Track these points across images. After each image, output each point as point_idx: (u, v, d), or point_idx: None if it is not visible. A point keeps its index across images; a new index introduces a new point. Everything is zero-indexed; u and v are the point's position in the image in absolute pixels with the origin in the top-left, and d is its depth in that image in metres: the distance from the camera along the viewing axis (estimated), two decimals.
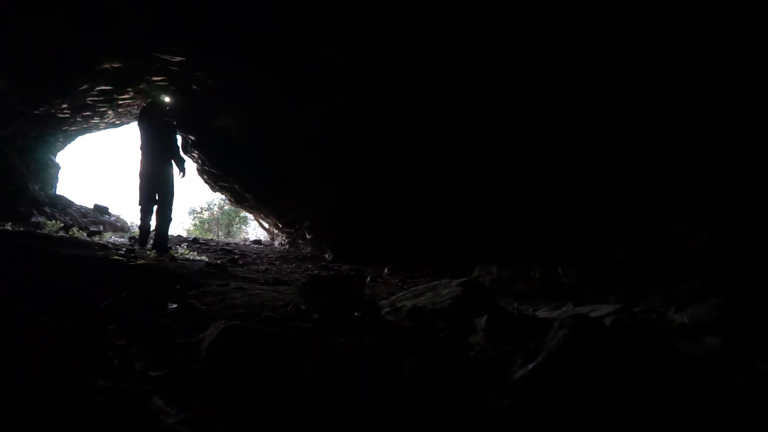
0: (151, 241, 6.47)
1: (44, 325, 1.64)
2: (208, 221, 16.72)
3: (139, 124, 6.49)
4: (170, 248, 6.49)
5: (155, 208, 6.40)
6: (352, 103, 5.76)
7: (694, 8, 3.26)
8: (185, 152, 8.97)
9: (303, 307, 2.86)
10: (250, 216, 13.42)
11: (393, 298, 3.46)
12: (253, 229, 15.88)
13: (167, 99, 7.04)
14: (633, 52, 3.65)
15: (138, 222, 6.91)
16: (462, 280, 3.36)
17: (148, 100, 6.99)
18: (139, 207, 6.46)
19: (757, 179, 3.45)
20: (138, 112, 8.50)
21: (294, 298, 3.23)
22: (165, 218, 6.41)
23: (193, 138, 8.67)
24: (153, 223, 6.50)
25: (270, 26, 4.74)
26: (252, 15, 4.59)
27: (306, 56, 5.14)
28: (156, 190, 6.34)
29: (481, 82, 4.69)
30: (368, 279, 5.21)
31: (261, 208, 9.98)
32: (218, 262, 5.87)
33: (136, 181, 6.43)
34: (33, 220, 8.08)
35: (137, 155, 6.50)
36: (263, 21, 4.69)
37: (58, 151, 10.59)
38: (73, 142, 10.55)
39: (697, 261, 3.82)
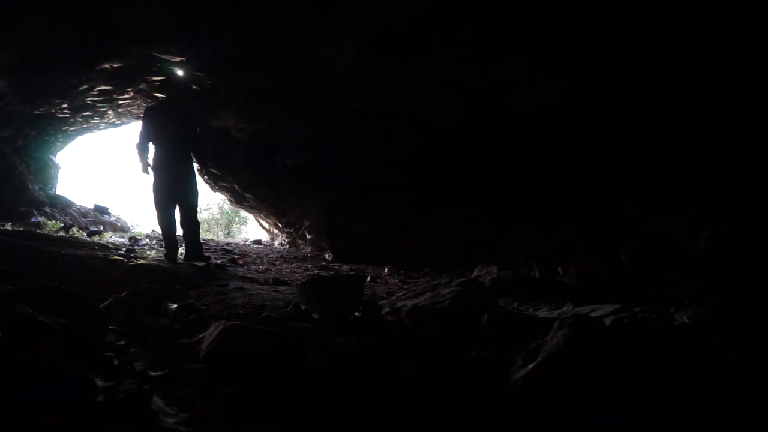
0: (181, 251, 5.62)
1: (44, 325, 1.64)
2: (208, 221, 16.71)
3: (153, 110, 5.47)
4: (209, 258, 5.65)
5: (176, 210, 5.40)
6: (350, 102, 5.76)
7: None
8: None
9: (303, 307, 2.86)
10: (250, 216, 13.42)
11: (393, 298, 3.46)
12: (254, 230, 15.90)
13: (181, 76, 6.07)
14: None
15: (158, 230, 5.74)
16: (462, 280, 3.36)
17: (166, 80, 5.98)
18: (156, 210, 5.34)
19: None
20: (139, 111, 8.56)
21: (294, 298, 3.23)
22: (193, 223, 5.45)
23: None
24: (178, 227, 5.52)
25: (269, 27, 4.74)
26: (251, 15, 4.59)
27: (305, 57, 5.14)
28: (176, 188, 5.30)
29: None
30: (368, 279, 5.21)
31: (261, 208, 9.98)
32: (218, 262, 5.87)
33: (148, 179, 5.34)
34: (33, 220, 8.08)
35: (138, 150, 5.29)
36: (262, 21, 4.69)
37: (58, 151, 10.59)
38: (73, 142, 10.56)
39: (697, 261, 3.82)
